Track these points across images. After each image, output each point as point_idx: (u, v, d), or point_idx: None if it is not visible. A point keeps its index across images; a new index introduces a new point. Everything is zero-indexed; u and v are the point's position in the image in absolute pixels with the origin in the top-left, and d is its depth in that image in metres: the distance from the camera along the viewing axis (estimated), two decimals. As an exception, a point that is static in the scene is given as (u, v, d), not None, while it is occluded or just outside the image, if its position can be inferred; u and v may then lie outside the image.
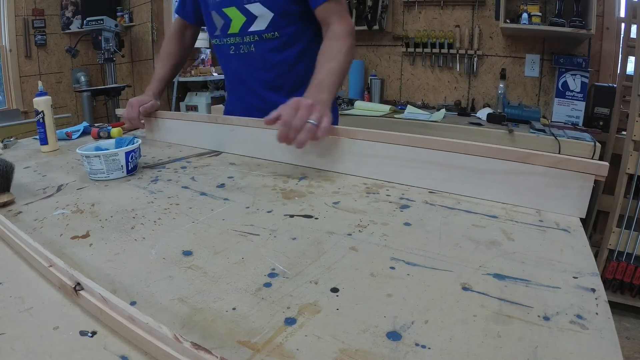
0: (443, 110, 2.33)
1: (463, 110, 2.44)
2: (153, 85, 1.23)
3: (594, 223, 2.10)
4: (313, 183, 0.79)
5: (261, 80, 1.14)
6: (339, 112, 2.32)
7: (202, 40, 3.53)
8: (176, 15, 1.31)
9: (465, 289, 0.44)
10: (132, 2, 4.02)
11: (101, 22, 3.40)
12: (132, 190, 0.77)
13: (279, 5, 1.02)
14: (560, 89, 2.22)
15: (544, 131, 1.88)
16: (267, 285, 0.45)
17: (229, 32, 1.10)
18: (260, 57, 1.10)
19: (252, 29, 1.06)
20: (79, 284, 0.41)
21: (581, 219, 0.60)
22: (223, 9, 1.08)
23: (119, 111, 1.46)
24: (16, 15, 3.64)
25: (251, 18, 1.05)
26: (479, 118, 2.24)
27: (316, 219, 0.62)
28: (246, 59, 1.12)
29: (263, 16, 1.04)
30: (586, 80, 2.16)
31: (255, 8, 1.03)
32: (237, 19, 1.06)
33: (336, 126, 0.83)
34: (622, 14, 2.14)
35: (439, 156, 0.71)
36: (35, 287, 0.45)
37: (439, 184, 0.72)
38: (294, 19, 1.05)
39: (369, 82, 2.80)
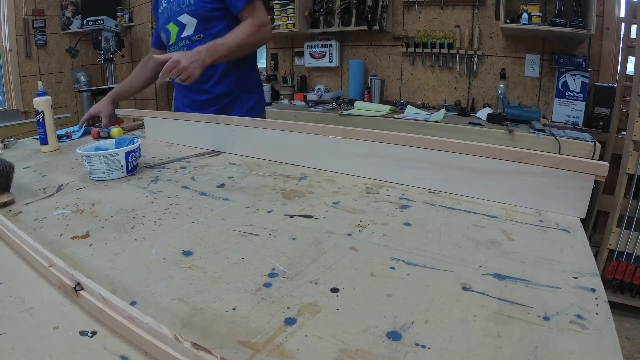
0: (443, 110, 2.33)
1: (463, 111, 2.44)
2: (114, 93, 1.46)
3: (594, 223, 2.10)
4: (313, 183, 0.79)
5: None
6: (339, 113, 2.34)
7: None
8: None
9: (465, 289, 0.44)
10: (132, 2, 4.02)
11: (101, 22, 3.40)
12: (132, 190, 0.77)
13: (200, 13, 1.25)
14: (560, 89, 2.22)
15: (544, 131, 1.87)
16: (267, 285, 0.45)
17: (170, 43, 1.35)
18: None
19: (183, 35, 1.29)
20: (79, 284, 0.41)
21: (581, 219, 0.60)
22: (166, 26, 1.33)
23: (119, 111, 1.46)
24: (16, 15, 3.64)
25: (182, 27, 1.29)
26: (479, 118, 2.24)
27: (316, 219, 0.62)
28: None
29: (190, 23, 1.27)
30: (586, 80, 2.16)
31: (184, 18, 1.27)
32: (173, 31, 1.31)
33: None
34: (622, 14, 2.14)
35: (438, 156, 0.70)
36: (35, 287, 0.45)
37: (439, 184, 0.72)
38: (217, 22, 1.26)
39: (369, 82, 2.80)
